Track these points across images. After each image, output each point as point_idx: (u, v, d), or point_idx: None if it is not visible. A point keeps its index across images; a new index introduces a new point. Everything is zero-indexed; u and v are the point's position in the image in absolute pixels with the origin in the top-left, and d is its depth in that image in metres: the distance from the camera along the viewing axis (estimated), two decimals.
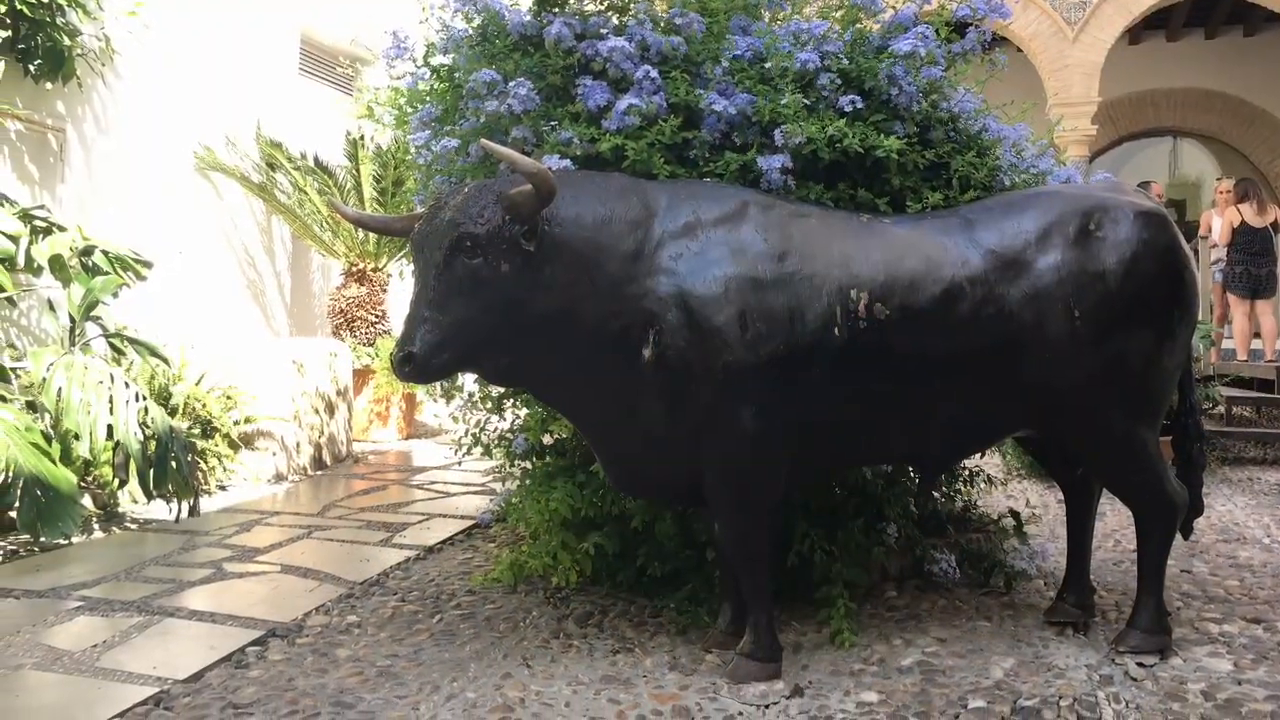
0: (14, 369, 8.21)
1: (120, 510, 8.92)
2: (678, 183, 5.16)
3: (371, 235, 14.31)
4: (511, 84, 5.50)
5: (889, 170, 5.61)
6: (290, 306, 15.19)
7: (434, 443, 14.02)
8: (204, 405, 9.89)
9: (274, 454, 10.79)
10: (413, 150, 6.46)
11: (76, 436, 7.36)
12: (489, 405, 7.01)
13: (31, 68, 10.30)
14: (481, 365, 4.81)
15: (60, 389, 7.34)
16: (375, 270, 14.79)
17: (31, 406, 7.92)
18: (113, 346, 8.45)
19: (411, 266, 4.89)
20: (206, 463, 9.75)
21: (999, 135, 6.09)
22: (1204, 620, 5.88)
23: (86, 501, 8.36)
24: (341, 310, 14.55)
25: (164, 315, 11.39)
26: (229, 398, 10.32)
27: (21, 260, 8.16)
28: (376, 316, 14.60)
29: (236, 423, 10.29)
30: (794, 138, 5.31)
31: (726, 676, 5.00)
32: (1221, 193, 15.70)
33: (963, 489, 7.26)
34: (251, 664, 5.34)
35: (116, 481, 8.52)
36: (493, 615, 6.06)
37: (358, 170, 14.38)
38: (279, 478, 10.80)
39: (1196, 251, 14.65)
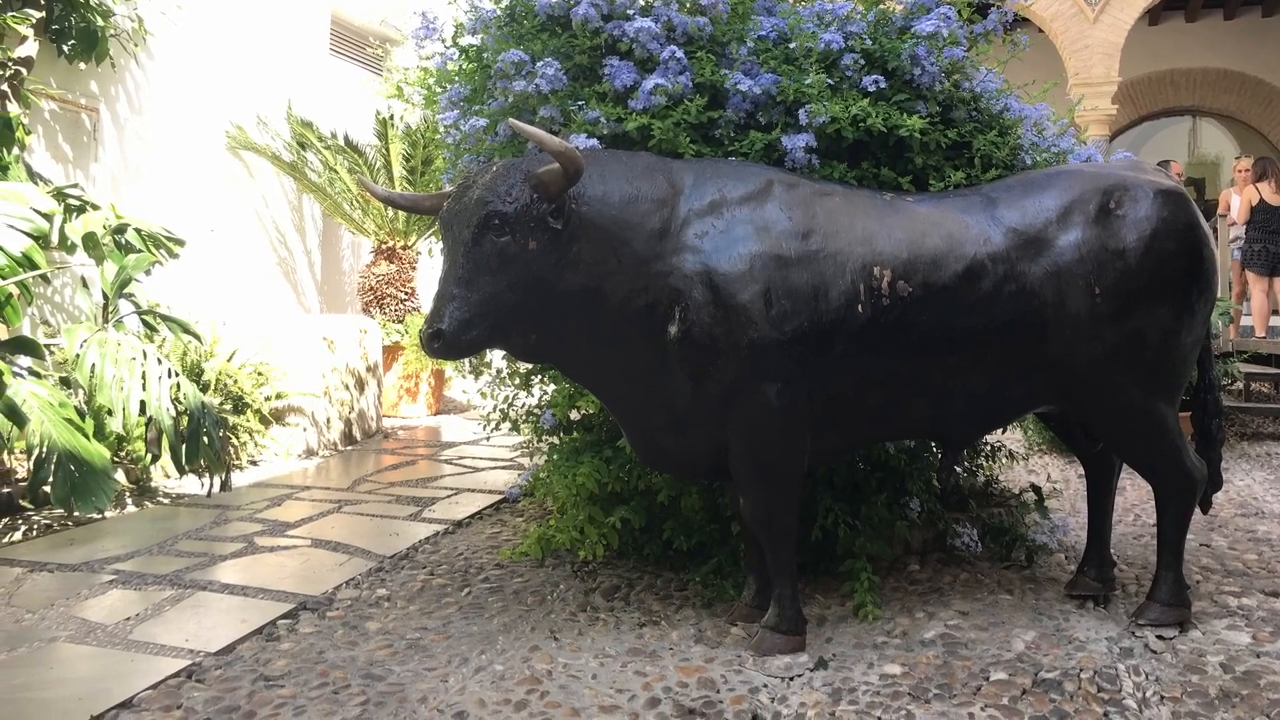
0: (48, 346, 8.28)
1: (153, 485, 9.02)
2: (703, 161, 5.18)
3: (401, 213, 14.39)
4: (539, 64, 5.53)
5: (912, 149, 5.65)
6: (321, 284, 15.26)
7: (462, 418, 14.08)
8: (236, 381, 9.97)
9: (305, 429, 10.87)
10: (441, 129, 6.50)
11: (110, 412, 7.41)
12: (517, 381, 7.06)
13: (65, 48, 10.40)
14: (509, 342, 4.81)
15: (94, 365, 7.38)
16: (405, 248, 14.85)
17: (65, 383, 7.98)
18: (145, 323, 8.50)
19: (440, 244, 4.91)
20: (238, 438, 9.83)
21: (1020, 115, 6.10)
22: (1223, 593, 5.91)
23: (119, 476, 8.44)
24: (371, 287, 14.62)
25: (196, 292, 11.51)
26: (260, 374, 10.39)
27: (55, 238, 8.21)
28: (406, 294, 14.66)
29: (268, 399, 10.36)
30: (818, 117, 5.34)
31: (751, 649, 5.04)
32: (1240, 171, 15.65)
33: (984, 464, 7.30)
34: (282, 637, 5.39)
35: (149, 457, 8.61)
36: (520, 589, 6.11)
37: (387, 149, 14.42)
38: (309, 453, 10.89)
39: (1215, 230, 14.67)
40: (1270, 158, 15.88)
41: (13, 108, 9.36)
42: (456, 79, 6.39)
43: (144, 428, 8.14)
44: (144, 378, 7.58)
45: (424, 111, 8.40)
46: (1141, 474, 5.51)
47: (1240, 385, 13.39)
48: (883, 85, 5.49)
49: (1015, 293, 4.94)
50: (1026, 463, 9.02)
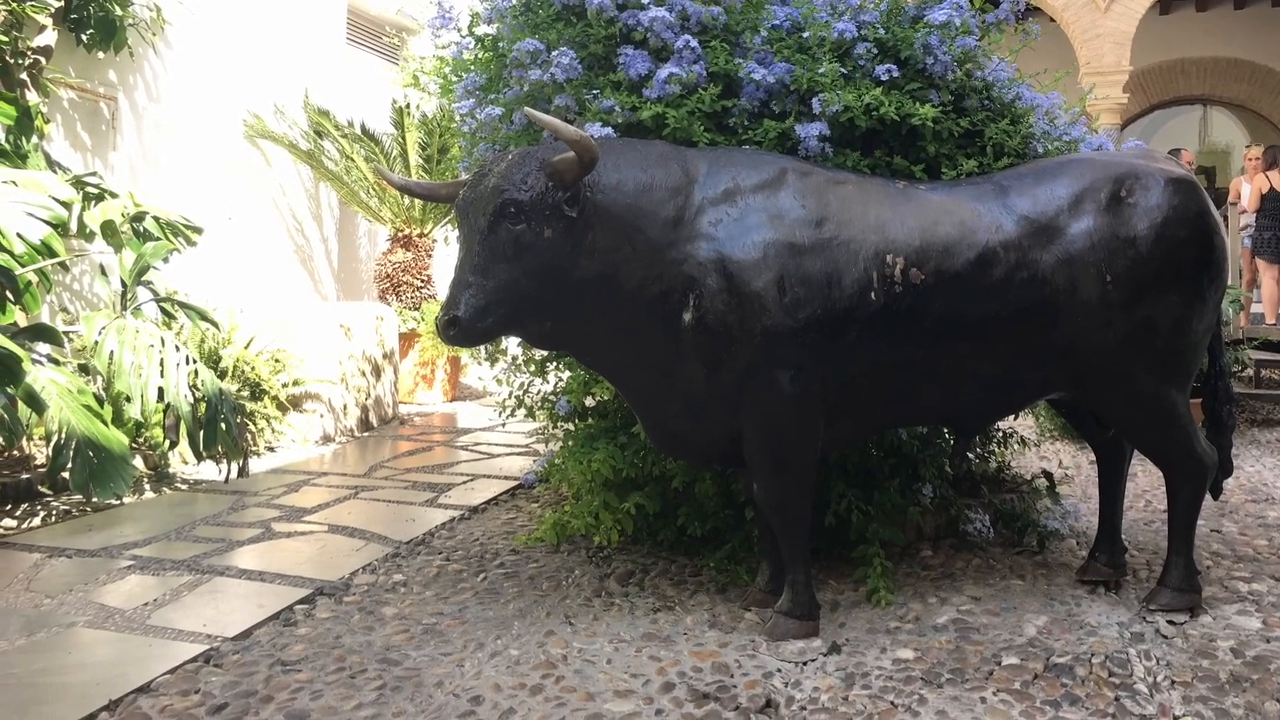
0: (67, 333, 8.31)
1: (170, 471, 9.08)
2: (717, 150, 5.19)
3: (417, 201, 14.41)
4: (554, 53, 5.55)
5: (924, 138, 5.66)
6: (337, 271, 15.30)
7: (478, 405, 14.10)
8: (253, 368, 10.01)
9: (321, 416, 10.92)
10: (458, 118, 6.53)
11: (128, 399, 7.44)
12: (532, 368, 7.08)
13: (84, 37, 10.45)
14: (525, 329, 4.84)
15: (112, 352, 7.41)
16: (421, 236, 14.88)
17: (84, 369, 8.03)
18: (163, 310, 8.54)
19: (456, 232, 4.94)
20: (255, 424, 9.88)
21: (1032, 103, 6.11)
22: (1233, 579, 5.94)
23: (138, 462, 8.50)
24: (388, 275, 14.65)
25: (214, 280, 11.55)
26: (277, 361, 10.43)
27: (74, 226, 8.25)
28: (422, 281, 14.69)
29: (285, 385, 10.41)
30: (831, 106, 5.37)
31: (765, 634, 5.08)
32: (1250, 160, 15.65)
33: (997, 450, 7.32)
34: (300, 622, 5.43)
35: (167, 443, 8.64)
36: (536, 574, 6.15)
37: (404, 138, 14.44)
38: (326, 439, 10.94)
39: (1226, 217, 14.63)
40: None
41: (32, 97, 9.41)
42: (472, 68, 6.43)
43: (162, 414, 8.18)
44: (162, 364, 7.62)
45: (440, 100, 8.44)
46: (1152, 460, 5.53)
47: (1251, 372, 13.39)
48: (895, 74, 5.52)
49: (1027, 280, 4.96)
50: (1038, 449, 9.04)
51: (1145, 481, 8.40)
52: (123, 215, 8.32)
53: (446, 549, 6.75)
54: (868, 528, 5.90)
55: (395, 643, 5.08)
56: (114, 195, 8.62)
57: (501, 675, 4.65)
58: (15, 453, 8.37)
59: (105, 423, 7.11)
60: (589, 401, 6.60)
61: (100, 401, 7.34)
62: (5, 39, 9.18)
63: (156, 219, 8.57)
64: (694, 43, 5.48)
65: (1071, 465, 9.24)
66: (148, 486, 8.57)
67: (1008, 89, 6.04)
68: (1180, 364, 5.21)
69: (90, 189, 8.59)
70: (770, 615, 5.20)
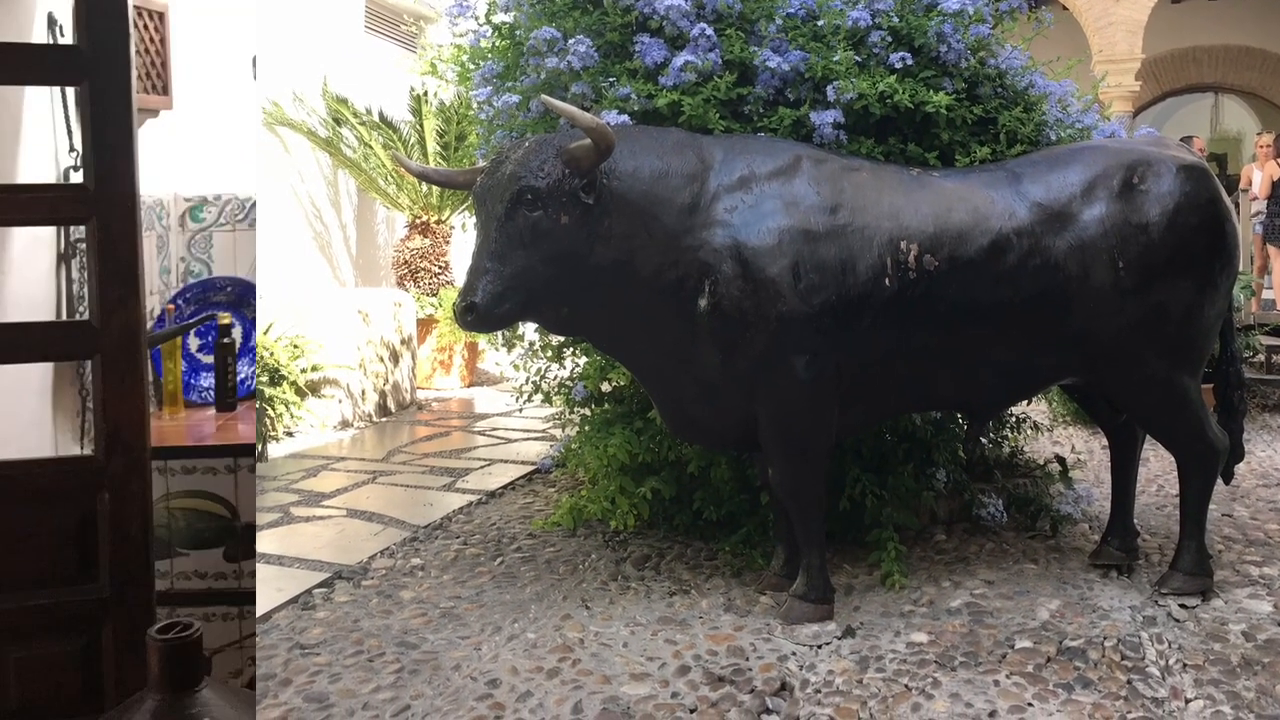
0: None
1: None
2: (732, 137, 5.23)
3: (435, 188, 14.39)
4: (571, 41, 5.57)
5: (938, 125, 5.67)
6: (356, 258, 15.30)
7: (495, 390, 14.06)
8: (271, 354, 10.02)
9: (340, 401, 10.91)
10: (475, 106, 6.56)
11: None
12: (549, 354, 7.10)
13: None
14: (541, 315, 4.89)
15: None
16: (438, 222, 14.86)
17: None
18: None
19: (474, 219, 4.97)
20: (274, 410, 9.89)
21: (1045, 91, 6.12)
22: (1245, 563, 5.95)
23: None
24: (406, 261, 14.63)
25: None
26: (296, 346, 10.43)
27: None
28: (440, 267, 14.68)
29: (303, 371, 10.40)
30: (846, 94, 5.38)
31: (780, 617, 5.11)
32: (1262, 147, 15.60)
33: (1010, 435, 7.33)
34: (318, 605, 5.47)
35: None
36: (553, 558, 6.18)
37: (421, 125, 14.43)
38: (345, 424, 10.92)
39: (1237, 204, 14.60)
40: None
41: None
42: (490, 56, 6.45)
43: None
44: None
45: (457, 88, 8.45)
46: (1164, 445, 5.58)
47: (1262, 358, 13.36)
48: (909, 62, 5.52)
49: (1040, 266, 4.98)
50: (1051, 434, 9.04)
51: (1157, 466, 8.39)
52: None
53: (464, 533, 6.78)
54: (882, 512, 5.92)
55: (413, 626, 5.12)
56: None
57: (519, 658, 4.69)
58: None
59: None
60: (605, 387, 6.62)
61: None
62: None
63: None
64: (709, 31, 5.50)
65: (1084, 450, 9.23)
66: None
67: (1021, 77, 6.06)
68: (1192, 350, 5.24)
69: None
70: (785, 599, 5.23)
